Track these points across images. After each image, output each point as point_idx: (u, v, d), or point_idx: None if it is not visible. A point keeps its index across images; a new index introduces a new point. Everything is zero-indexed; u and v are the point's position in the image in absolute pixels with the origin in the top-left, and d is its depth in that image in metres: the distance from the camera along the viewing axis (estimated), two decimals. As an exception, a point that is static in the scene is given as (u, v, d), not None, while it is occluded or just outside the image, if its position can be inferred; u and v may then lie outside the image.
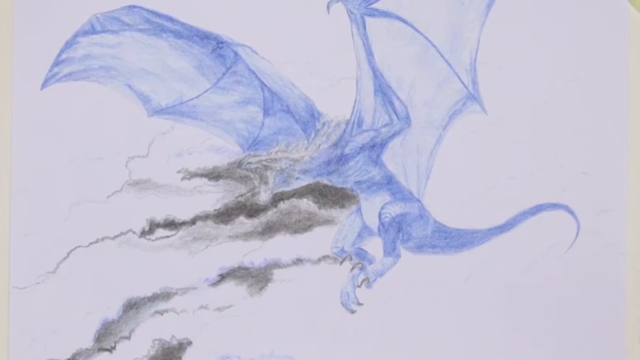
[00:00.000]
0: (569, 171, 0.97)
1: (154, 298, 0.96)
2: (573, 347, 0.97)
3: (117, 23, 0.96)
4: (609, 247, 0.97)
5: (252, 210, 0.97)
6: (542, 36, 0.97)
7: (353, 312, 0.97)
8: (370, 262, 0.97)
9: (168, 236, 0.96)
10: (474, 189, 0.97)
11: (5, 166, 0.96)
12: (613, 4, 0.97)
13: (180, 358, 0.96)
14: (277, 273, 0.97)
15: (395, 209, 0.97)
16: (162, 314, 0.97)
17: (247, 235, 0.97)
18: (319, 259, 0.97)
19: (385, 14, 0.96)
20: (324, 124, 0.97)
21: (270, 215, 0.97)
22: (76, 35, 0.96)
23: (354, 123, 0.97)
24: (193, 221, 0.97)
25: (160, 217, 0.96)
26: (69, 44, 0.96)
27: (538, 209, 0.97)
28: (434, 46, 0.96)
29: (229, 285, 0.97)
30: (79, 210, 0.96)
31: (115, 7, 0.96)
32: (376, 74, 0.96)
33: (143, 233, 0.96)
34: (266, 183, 0.96)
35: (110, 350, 0.96)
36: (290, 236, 0.97)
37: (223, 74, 0.97)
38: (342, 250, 0.97)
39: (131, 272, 0.96)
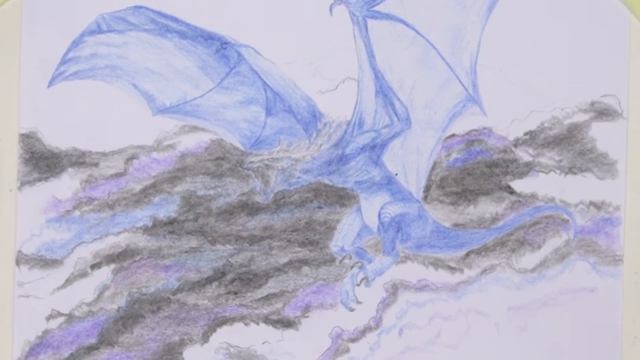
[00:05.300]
0: (567, 174, 0.97)
1: (155, 293, 0.97)
2: (569, 348, 0.97)
3: (123, 23, 0.97)
4: (606, 249, 0.97)
5: (253, 209, 0.97)
6: (542, 39, 0.97)
7: (352, 310, 0.98)
8: (369, 262, 0.98)
9: (170, 232, 0.97)
10: (472, 190, 0.97)
11: (12, 163, 0.97)
12: (613, 9, 0.98)
13: (182, 353, 0.97)
14: (277, 270, 0.97)
15: (394, 209, 0.98)
16: (163, 310, 0.97)
17: (248, 233, 0.97)
18: (319, 258, 0.97)
19: (387, 17, 0.96)
20: (325, 124, 0.97)
21: (271, 214, 0.97)
22: (82, 34, 0.97)
23: (355, 124, 0.97)
24: (195, 219, 0.97)
25: (162, 215, 0.97)
26: (76, 43, 0.97)
27: (536, 211, 0.98)
28: (435, 48, 0.97)
29: (230, 282, 0.97)
30: (83, 207, 0.97)
31: (121, 7, 0.97)
32: (377, 76, 0.96)
33: (146, 230, 0.97)
34: (267, 182, 0.97)
35: (112, 345, 0.97)
36: (290, 234, 0.97)
37: (227, 74, 0.98)
38: (342, 249, 0.98)
39: (133, 268, 0.97)
